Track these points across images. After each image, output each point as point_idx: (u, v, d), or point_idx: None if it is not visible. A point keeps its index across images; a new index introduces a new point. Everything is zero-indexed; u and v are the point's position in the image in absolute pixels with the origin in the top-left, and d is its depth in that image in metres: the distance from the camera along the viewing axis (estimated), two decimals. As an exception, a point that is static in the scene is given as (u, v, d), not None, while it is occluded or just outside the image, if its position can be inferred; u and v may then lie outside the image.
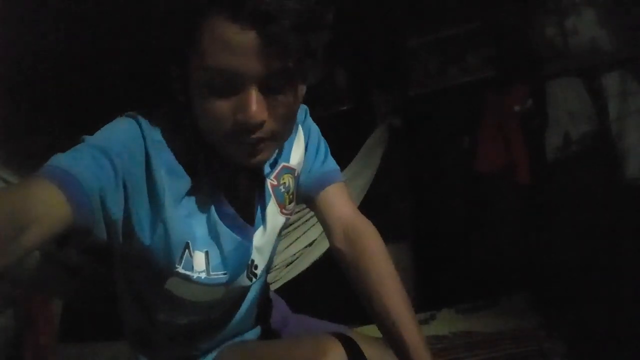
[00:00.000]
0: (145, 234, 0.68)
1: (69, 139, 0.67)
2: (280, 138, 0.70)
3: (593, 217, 2.12)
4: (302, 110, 0.89)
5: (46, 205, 0.56)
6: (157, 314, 0.80)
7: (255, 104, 0.61)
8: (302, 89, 0.70)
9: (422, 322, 2.01)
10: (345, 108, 2.61)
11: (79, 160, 0.61)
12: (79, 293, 1.37)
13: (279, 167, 0.82)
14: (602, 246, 2.04)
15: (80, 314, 1.93)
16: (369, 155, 2.29)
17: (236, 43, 0.58)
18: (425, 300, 2.32)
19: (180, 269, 0.71)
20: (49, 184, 0.57)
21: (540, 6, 2.35)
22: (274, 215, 0.82)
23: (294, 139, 0.85)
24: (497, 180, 2.43)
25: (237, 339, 0.91)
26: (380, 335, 0.79)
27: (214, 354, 0.88)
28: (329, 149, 0.93)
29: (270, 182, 0.80)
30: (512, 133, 2.39)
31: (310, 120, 0.91)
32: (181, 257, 0.70)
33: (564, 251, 2.16)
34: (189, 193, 0.71)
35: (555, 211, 2.27)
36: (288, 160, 0.83)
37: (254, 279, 0.81)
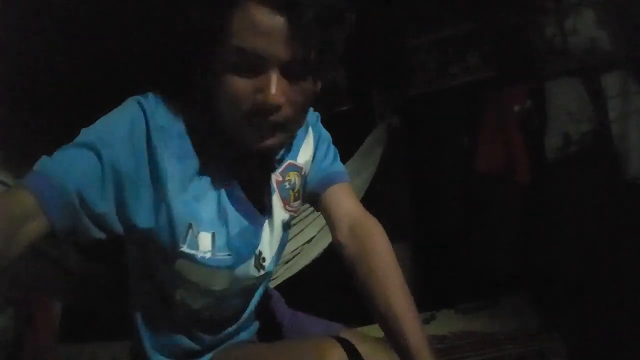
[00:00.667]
0: (148, 218, 0.70)
1: (69, 140, 0.68)
2: (293, 127, 0.73)
3: (593, 217, 2.13)
4: (314, 115, 0.92)
5: (23, 216, 0.61)
6: (174, 292, 0.80)
7: (276, 86, 0.64)
8: (318, 84, 0.72)
9: (422, 322, 2.00)
10: (345, 108, 2.61)
11: (61, 163, 0.65)
12: (79, 293, 1.37)
13: (285, 164, 0.83)
14: (603, 246, 2.04)
15: (80, 314, 1.93)
16: (367, 155, 2.29)
17: (265, 26, 0.62)
18: (425, 300, 2.31)
19: (184, 249, 0.72)
20: (26, 194, 0.62)
21: (540, 6, 2.35)
22: (278, 210, 0.83)
23: (304, 138, 0.87)
24: (497, 180, 2.43)
25: (235, 339, 0.91)
26: (381, 335, 0.79)
27: (210, 355, 0.88)
28: (338, 155, 0.94)
29: (275, 178, 0.82)
30: (511, 133, 2.39)
31: (321, 125, 0.93)
32: (185, 237, 0.71)
33: (564, 251, 2.16)
34: (197, 176, 0.73)
35: (555, 211, 2.27)
36: (295, 158, 0.85)
37: (261, 271, 0.82)
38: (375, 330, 0.81)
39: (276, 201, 0.83)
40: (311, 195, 0.90)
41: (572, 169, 2.25)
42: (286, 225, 0.87)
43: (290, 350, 0.82)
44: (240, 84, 0.65)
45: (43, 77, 2.27)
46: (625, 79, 2.16)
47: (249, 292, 0.87)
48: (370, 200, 2.31)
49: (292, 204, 0.85)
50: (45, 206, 0.62)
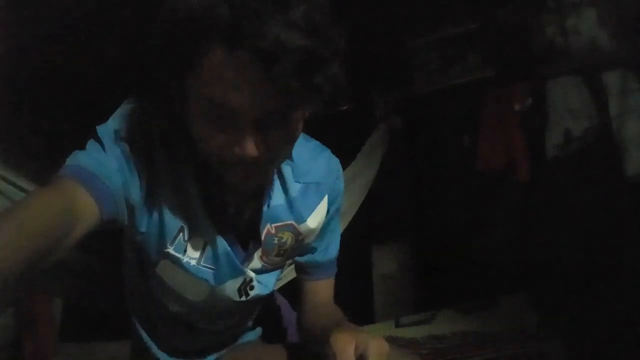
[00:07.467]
0: (143, 218, 0.69)
1: (68, 139, 0.68)
2: (278, 162, 0.69)
3: (594, 215, 2.12)
4: (333, 172, 0.83)
5: (82, 207, 0.59)
6: (156, 294, 0.81)
7: (251, 141, 0.58)
8: (304, 118, 0.65)
9: (422, 322, 2.01)
10: (345, 108, 2.60)
11: (99, 159, 0.63)
12: (79, 293, 1.37)
13: (285, 222, 0.78)
14: (603, 245, 2.04)
15: (80, 314, 1.93)
16: (370, 155, 2.29)
17: (234, 79, 0.54)
18: (425, 300, 2.32)
19: (170, 250, 0.71)
20: (78, 186, 0.59)
21: (540, 6, 2.35)
22: (256, 256, 0.79)
23: (318, 203, 0.81)
24: (497, 179, 2.43)
25: (238, 342, 0.91)
26: (380, 335, 0.79)
27: (214, 356, 0.88)
28: (339, 219, 0.89)
29: (267, 228, 0.76)
30: (512, 132, 2.39)
31: (340, 185, 0.84)
32: (173, 240, 0.71)
33: (565, 250, 2.16)
34: (192, 182, 0.71)
35: (555, 209, 2.27)
36: (301, 222, 0.79)
37: (243, 297, 0.79)
38: (375, 331, 0.81)
39: (256, 248, 0.79)
40: (297, 268, 0.88)
41: (572, 167, 2.25)
42: (258, 273, 0.82)
43: (295, 351, 0.83)
44: (215, 135, 0.59)
45: (43, 77, 2.28)
46: (626, 77, 2.16)
47: (225, 312, 0.84)
48: (371, 200, 2.32)
49: (270, 257, 0.79)
50: (99, 201, 0.60)
